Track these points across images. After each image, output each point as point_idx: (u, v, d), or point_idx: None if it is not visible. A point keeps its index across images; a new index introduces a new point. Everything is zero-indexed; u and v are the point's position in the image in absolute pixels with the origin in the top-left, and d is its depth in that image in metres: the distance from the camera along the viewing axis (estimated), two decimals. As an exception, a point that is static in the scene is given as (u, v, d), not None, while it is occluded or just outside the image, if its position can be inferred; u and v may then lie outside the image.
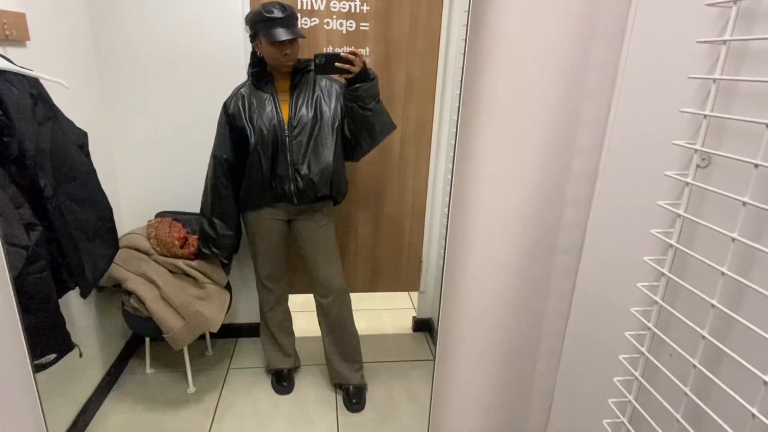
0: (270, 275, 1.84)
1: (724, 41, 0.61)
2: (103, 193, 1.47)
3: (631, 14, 0.82)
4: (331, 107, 1.64)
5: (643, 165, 0.82)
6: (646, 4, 0.79)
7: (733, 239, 0.59)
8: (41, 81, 1.28)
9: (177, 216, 1.94)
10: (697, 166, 0.71)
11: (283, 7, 1.50)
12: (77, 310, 1.69)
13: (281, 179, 1.64)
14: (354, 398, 1.87)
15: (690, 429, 0.66)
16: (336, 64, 1.49)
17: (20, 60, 1.33)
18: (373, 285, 2.28)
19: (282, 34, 1.49)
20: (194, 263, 1.79)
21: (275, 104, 1.62)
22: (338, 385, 1.96)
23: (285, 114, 1.62)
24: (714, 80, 0.63)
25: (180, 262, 1.75)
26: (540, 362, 1.10)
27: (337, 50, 1.54)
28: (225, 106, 1.67)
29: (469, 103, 0.88)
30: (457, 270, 0.97)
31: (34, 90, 1.22)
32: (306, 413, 1.83)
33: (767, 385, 0.54)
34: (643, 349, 0.75)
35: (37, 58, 1.44)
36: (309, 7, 1.84)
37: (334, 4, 1.84)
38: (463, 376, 1.03)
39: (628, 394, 0.80)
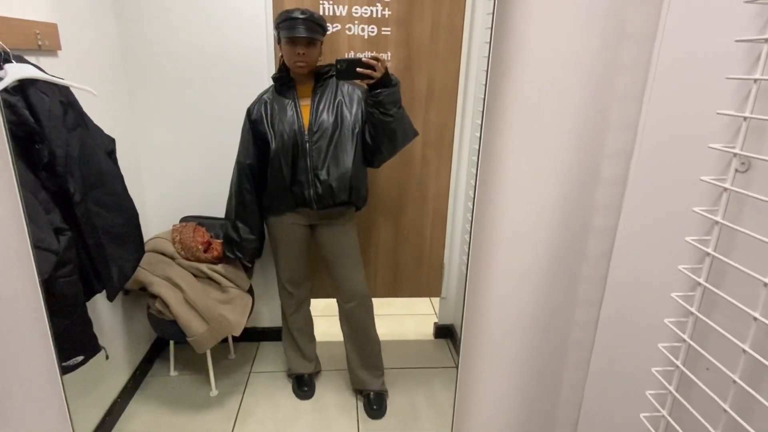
0: (291, 279, 1.84)
1: (766, 40, 0.58)
2: (130, 198, 1.50)
3: (663, 12, 0.79)
4: (352, 113, 1.63)
5: (677, 169, 0.79)
6: (679, 0, 0.76)
7: (777, 248, 0.56)
8: (71, 89, 1.31)
9: (201, 220, 1.96)
10: (736, 170, 0.68)
11: (304, 11, 1.52)
12: (104, 313, 1.73)
13: (301, 184, 1.64)
14: (375, 404, 1.86)
15: (730, 448, 0.62)
16: (357, 69, 1.48)
17: (52, 69, 1.36)
18: (394, 290, 2.26)
19: (294, 32, 1.51)
20: (217, 267, 1.80)
21: (296, 109, 1.62)
22: (359, 391, 1.95)
23: (306, 119, 1.62)
24: (755, 80, 0.60)
25: (203, 266, 1.77)
26: (567, 373, 1.07)
27: (359, 55, 1.54)
28: (248, 112, 1.68)
29: (494, 108, 0.86)
30: (481, 276, 0.95)
31: (64, 98, 1.25)
32: (326, 419, 1.82)
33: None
34: (678, 362, 0.72)
35: (68, 66, 1.48)
36: (331, 13, 1.85)
37: (356, 9, 1.84)
38: (488, 386, 1.01)
39: (661, 409, 0.76)
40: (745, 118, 0.61)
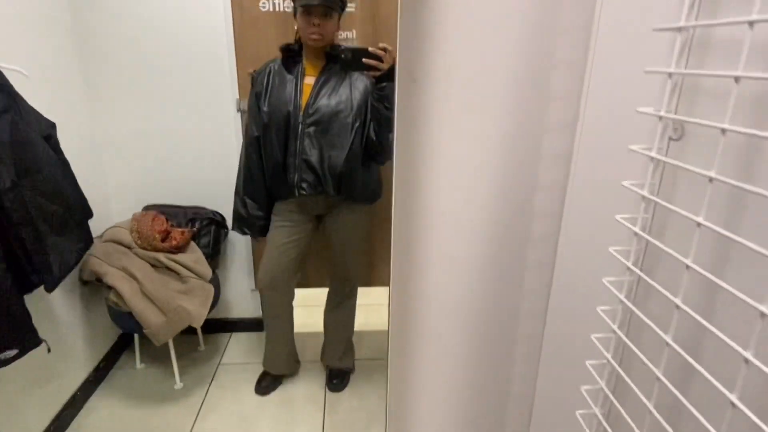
0: (271, 283, 1.72)
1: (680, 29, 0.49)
2: (75, 185, 1.43)
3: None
4: (355, 104, 1.51)
5: (615, 141, 0.70)
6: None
7: (699, 224, 0.48)
8: (4, 73, 1.24)
9: (164, 209, 1.90)
10: (670, 138, 0.60)
11: None
12: (60, 305, 1.67)
13: (288, 168, 1.56)
14: (335, 378, 1.86)
15: (655, 453, 0.55)
16: (363, 60, 1.37)
17: (-17, 49, 1.30)
18: (369, 279, 2.19)
19: (310, 0, 1.42)
20: (177, 257, 1.74)
21: (297, 87, 1.53)
22: (326, 367, 1.95)
23: (305, 99, 1.53)
24: (679, 29, 0.51)
25: (162, 256, 1.71)
26: (517, 366, 0.99)
27: (366, 46, 1.44)
28: (253, 80, 1.59)
29: (414, 71, 0.77)
30: (410, 266, 0.87)
31: (-10, 79, 1.19)
32: (292, 412, 1.77)
33: (735, 407, 0.42)
34: (608, 355, 0.64)
35: (9, 49, 1.41)
36: (291, -11, 1.76)
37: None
38: (425, 388, 0.94)
39: (593, 405, 0.69)
40: (669, 75, 0.53)
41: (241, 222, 1.71)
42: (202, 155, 1.96)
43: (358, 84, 1.53)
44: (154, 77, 1.86)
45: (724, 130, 0.44)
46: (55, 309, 1.64)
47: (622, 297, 0.61)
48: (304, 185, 1.55)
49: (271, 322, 1.83)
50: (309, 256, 1.94)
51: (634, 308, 0.59)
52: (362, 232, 1.74)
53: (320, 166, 1.53)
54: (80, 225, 1.44)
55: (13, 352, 1.22)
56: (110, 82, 1.85)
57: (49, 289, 1.32)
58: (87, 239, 1.46)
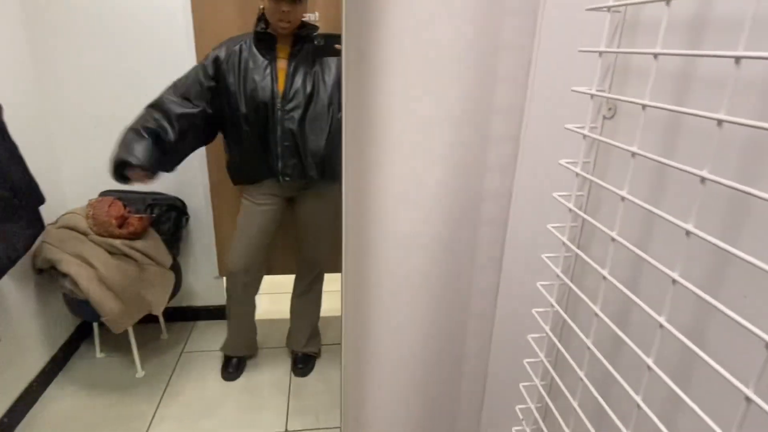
0: (245, 266, 1.71)
1: (609, 8, 0.51)
2: (24, 169, 1.38)
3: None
4: (328, 86, 1.51)
5: (556, 120, 0.72)
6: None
7: (623, 198, 0.49)
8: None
9: (120, 194, 1.85)
10: (603, 117, 0.62)
11: None
12: (13, 294, 1.61)
13: (269, 154, 1.54)
14: (301, 363, 1.88)
15: (586, 420, 0.57)
16: (336, 45, 1.37)
17: None
18: (338, 265, 2.19)
19: None
20: (135, 244, 1.70)
21: (272, 71, 1.49)
22: (292, 352, 1.96)
23: (281, 84, 1.50)
24: (608, 9, 0.53)
25: (119, 243, 1.67)
26: (469, 342, 1.02)
27: (338, 32, 1.41)
28: (216, 58, 1.50)
29: (364, 55, 0.77)
30: (363, 245, 0.88)
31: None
32: (256, 398, 1.76)
33: (650, 370, 0.45)
34: (547, 328, 0.67)
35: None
36: (251, -32, 1.72)
37: (279, -35, 1.71)
38: (379, 368, 0.95)
39: (535, 378, 0.71)
40: (600, 54, 0.54)
41: (133, 147, 1.41)
42: (161, 139, 1.91)
43: (330, 64, 1.53)
44: (109, 56, 1.79)
45: (644, 106, 0.46)
46: (7, 298, 1.58)
47: (558, 272, 0.63)
48: (289, 171, 1.55)
49: (237, 306, 1.82)
50: (275, 240, 1.93)
51: (568, 281, 0.61)
52: (332, 213, 1.75)
53: (303, 151, 1.53)
54: (30, 210, 1.39)
55: (-43, 342, 1.18)
56: (62, 60, 1.78)
57: (-3, 276, 1.28)
58: (38, 225, 1.41)
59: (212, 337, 2.09)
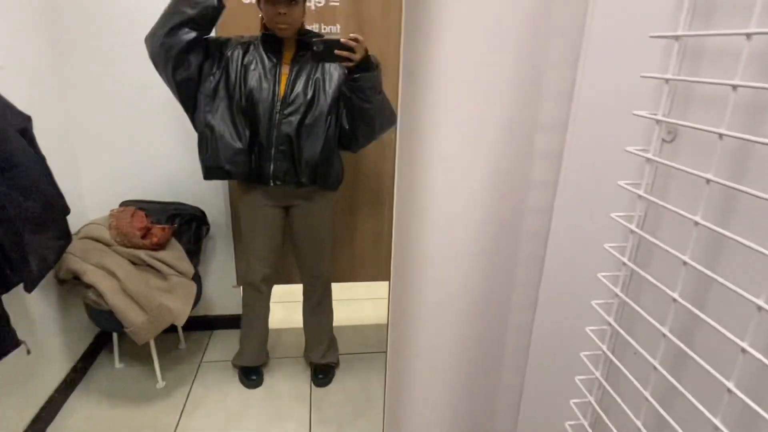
0: (264, 275, 1.74)
1: (677, 37, 0.52)
2: (52, 181, 1.38)
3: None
4: (329, 94, 1.52)
5: (609, 141, 0.73)
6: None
7: (696, 223, 0.51)
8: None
9: (141, 204, 1.85)
10: (663, 140, 0.63)
11: None
12: (36, 304, 1.62)
13: (261, 156, 1.54)
14: (321, 373, 1.87)
15: (650, 437, 0.58)
16: (335, 51, 1.37)
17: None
18: (352, 275, 2.20)
19: None
20: (158, 254, 1.71)
21: (276, 75, 1.51)
22: (310, 364, 1.95)
23: (282, 88, 1.51)
24: (677, 38, 0.54)
25: (142, 253, 1.67)
26: (507, 358, 1.03)
27: (328, 32, 1.42)
28: (225, 39, 1.53)
29: (415, 79, 0.78)
30: (411, 260, 0.89)
31: (-38, 70, 1.13)
32: (278, 408, 1.77)
33: (731, 393, 0.46)
34: (603, 347, 0.68)
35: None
36: (274, -18, 1.73)
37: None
38: (422, 375, 0.96)
39: (588, 395, 0.72)
40: (666, 81, 0.56)
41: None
42: (180, 149, 1.92)
43: (333, 72, 1.54)
44: (130, 68, 1.80)
45: (721, 135, 0.47)
46: (30, 308, 1.59)
47: (617, 291, 0.64)
48: (280, 174, 1.55)
49: (253, 317, 1.83)
50: (284, 250, 1.94)
51: (629, 301, 0.62)
52: (328, 222, 1.76)
53: (297, 156, 1.53)
54: (58, 222, 1.39)
55: (-8, 355, 1.18)
56: (85, 73, 1.79)
57: (29, 288, 1.28)
58: (66, 236, 1.41)
59: (230, 347, 2.08)
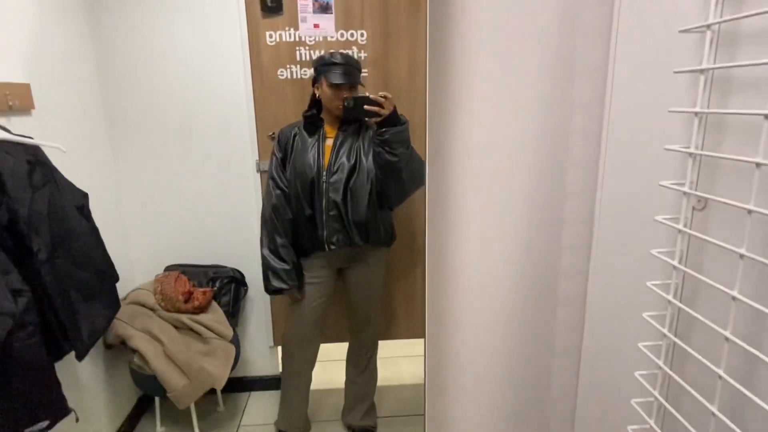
0: (303, 337, 1.76)
1: (702, 71, 0.54)
2: (104, 252, 1.47)
3: (612, 46, 0.76)
4: (368, 157, 1.62)
5: (638, 207, 0.74)
6: (626, 32, 0.73)
7: (734, 298, 0.50)
8: (42, 148, 1.31)
9: (185, 269, 1.93)
10: (693, 208, 0.63)
11: (345, 56, 1.57)
12: (84, 369, 1.68)
13: (315, 224, 1.63)
14: None
15: None
16: (365, 107, 1.48)
17: (24, 128, 1.38)
18: (388, 332, 2.19)
19: (338, 78, 1.53)
20: (199, 317, 1.76)
21: (319, 148, 1.62)
22: (348, 426, 1.93)
23: (326, 158, 1.62)
24: (696, 114, 0.56)
25: (184, 317, 1.73)
26: (554, 407, 0.99)
27: (366, 93, 1.54)
28: (278, 140, 1.67)
29: (443, 147, 0.82)
30: (446, 325, 0.89)
31: (31, 156, 1.25)
32: (316, 475, 1.72)
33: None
34: (656, 392, 0.65)
35: (42, 124, 1.49)
36: (307, 58, 1.86)
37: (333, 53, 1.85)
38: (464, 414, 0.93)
39: (648, 419, 0.69)
40: (691, 154, 0.57)
41: (280, 273, 1.63)
42: (222, 214, 2.01)
43: (369, 140, 1.63)
44: (177, 141, 1.94)
45: (750, 211, 0.47)
46: (78, 374, 1.65)
47: (665, 331, 0.62)
48: (334, 239, 1.62)
49: (293, 380, 1.82)
50: (327, 310, 1.95)
51: (676, 377, 0.60)
52: (381, 278, 1.80)
53: (346, 219, 1.60)
54: (108, 290, 1.47)
55: (44, 424, 1.22)
56: (135, 148, 1.93)
57: (80, 357, 1.34)
58: (115, 304, 1.48)
59: (267, 409, 2.08)
